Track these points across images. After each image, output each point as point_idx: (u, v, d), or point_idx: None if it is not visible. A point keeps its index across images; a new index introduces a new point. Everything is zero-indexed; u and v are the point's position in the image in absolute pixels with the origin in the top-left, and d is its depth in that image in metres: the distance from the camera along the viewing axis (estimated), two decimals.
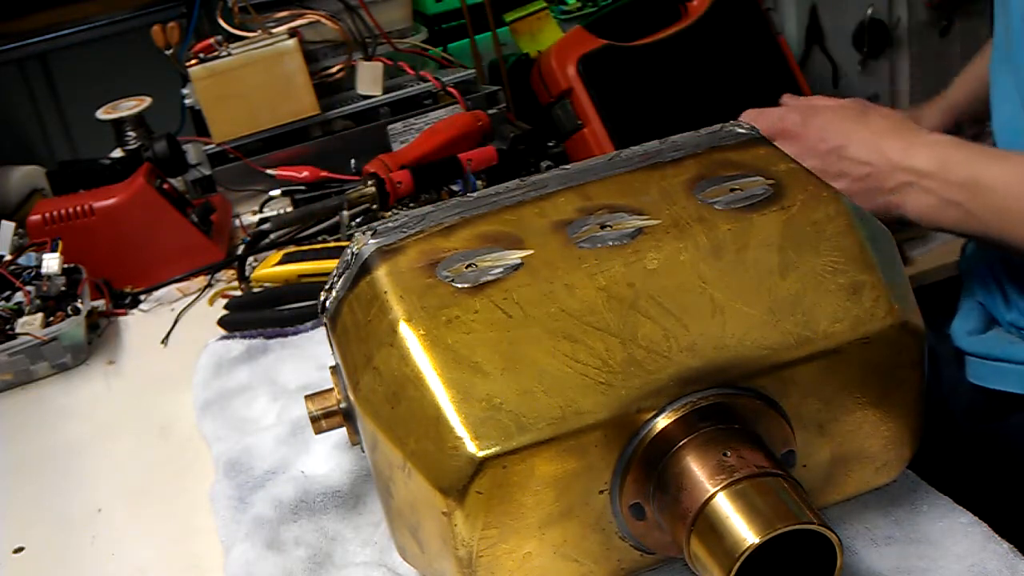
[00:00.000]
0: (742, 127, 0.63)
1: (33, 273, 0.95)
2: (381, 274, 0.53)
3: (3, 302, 0.94)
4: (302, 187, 1.11)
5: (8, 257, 0.99)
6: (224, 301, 0.98)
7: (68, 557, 0.69)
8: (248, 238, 1.03)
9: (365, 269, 0.55)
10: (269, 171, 1.12)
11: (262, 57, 1.10)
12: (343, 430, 0.59)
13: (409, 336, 0.49)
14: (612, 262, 0.51)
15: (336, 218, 1.03)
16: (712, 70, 1.36)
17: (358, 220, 1.01)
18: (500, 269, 0.52)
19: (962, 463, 0.83)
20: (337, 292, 0.57)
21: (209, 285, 1.04)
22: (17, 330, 0.91)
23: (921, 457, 0.56)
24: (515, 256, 0.53)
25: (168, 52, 1.15)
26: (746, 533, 0.44)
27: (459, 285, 0.51)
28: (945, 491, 0.58)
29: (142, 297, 1.04)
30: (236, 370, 0.84)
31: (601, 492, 0.49)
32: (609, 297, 0.50)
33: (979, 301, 0.92)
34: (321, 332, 0.86)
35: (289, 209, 1.10)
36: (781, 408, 0.50)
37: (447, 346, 0.49)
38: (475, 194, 0.59)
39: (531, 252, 0.53)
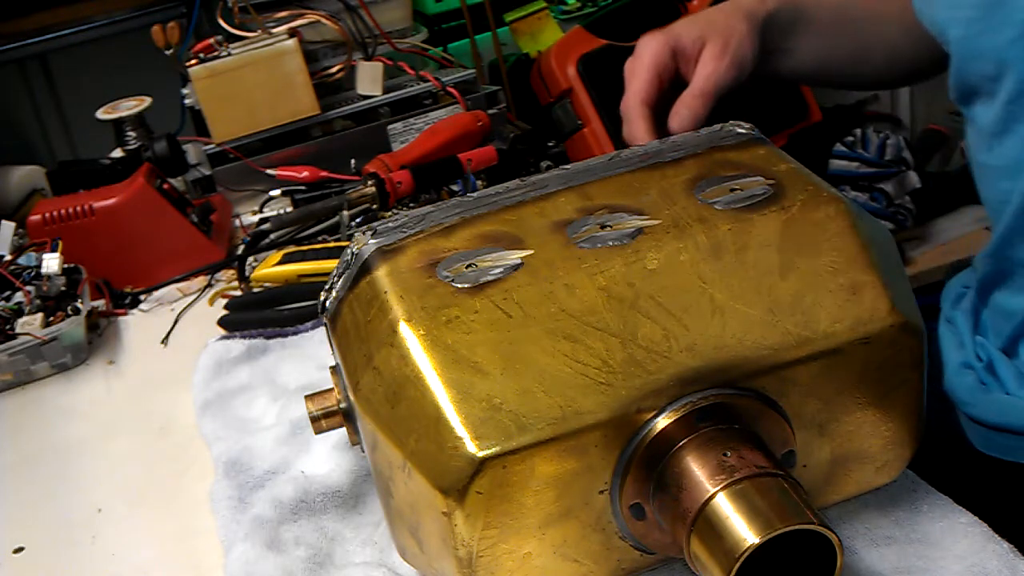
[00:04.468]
0: (742, 127, 0.63)
1: (33, 273, 0.95)
2: (381, 274, 0.53)
3: (3, 302, 0.94)
4: (302, 187, 1.11)
5: (8, 257, 0.99)
6: (224, 301, 0.98)
7: (68, 557, 0.69)
8: (248, 238, 1.03)
9: (365, 269, 0.55)
10: (269, 171, 1.12)
11: (262, 57, 1.10)
12: (343, 430, 0.59)
13: (409, 336, 0.49)
14: (612, 262, 0.51)
15: (336, 218, 1.03)
16: None
17: (358, 220, 1.01)
18: (500, 269, 0.52)
19: (962, 463, 0.82)
20: (337, 292, 0.57)
21: (209, 285, 1.04)
22: (17, 330, 0.91)
23: (921, 457, 0.56)
24: (515, 256, 0.53)
25: (168, 52, 1.15)
26: (746, 533, 0.44)
27: (459, 285, 0.51)
28: (945, 491, 0.58)
29: (142, 297, 1.04)
30: (236, 370, 0.84)
31: (601, 492, 0.49)
32: (609, 297, 0.50)
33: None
34: (321, 332, 0.86)
35: (289, 209, 1.10)
36: (781, 408, 0.50)
37: (447, 346, 0.49)
38: (475, 194, 0.59)
39: (531, 252, 0.53)
